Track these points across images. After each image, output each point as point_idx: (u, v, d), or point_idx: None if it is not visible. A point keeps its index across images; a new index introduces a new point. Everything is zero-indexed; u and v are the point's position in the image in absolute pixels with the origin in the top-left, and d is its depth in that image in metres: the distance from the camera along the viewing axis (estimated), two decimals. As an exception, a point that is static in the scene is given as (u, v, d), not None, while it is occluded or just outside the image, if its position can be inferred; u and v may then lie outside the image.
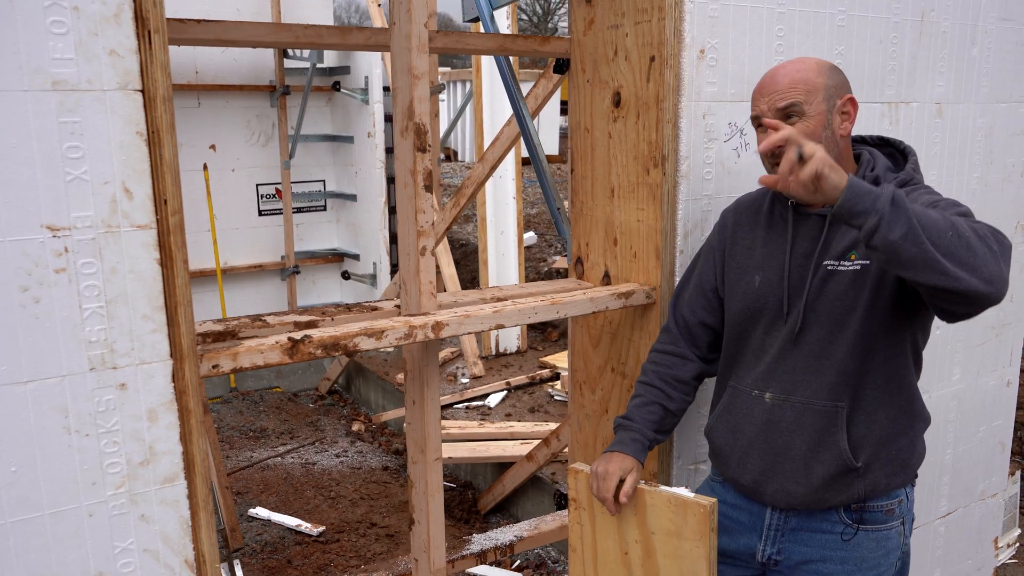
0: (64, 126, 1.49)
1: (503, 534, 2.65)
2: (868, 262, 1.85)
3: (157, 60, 1.55)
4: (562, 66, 2.71)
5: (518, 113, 2.95)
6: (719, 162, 2.31)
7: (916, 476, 2.04)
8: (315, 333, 1.83)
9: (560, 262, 7.49)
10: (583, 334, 2.58)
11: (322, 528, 4.66)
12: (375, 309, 2.17)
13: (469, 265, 8.42)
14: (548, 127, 15.84)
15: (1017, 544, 3.72)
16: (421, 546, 2.23)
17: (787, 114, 1.84)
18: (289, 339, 1.78)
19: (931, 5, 2.63)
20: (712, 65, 2.24)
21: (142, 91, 1.55)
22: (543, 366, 6.47)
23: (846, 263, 1.87)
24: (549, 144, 17.44)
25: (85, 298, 1.55)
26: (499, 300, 2.26)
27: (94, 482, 1.61)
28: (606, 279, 2.46)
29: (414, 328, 1.93)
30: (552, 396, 5.88)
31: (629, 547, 2.05)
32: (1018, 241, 3.10)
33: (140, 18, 1.53)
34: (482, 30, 3.40)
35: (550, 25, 31.61)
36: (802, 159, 1.59)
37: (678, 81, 2.19)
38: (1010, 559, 3.66)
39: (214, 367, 1.71)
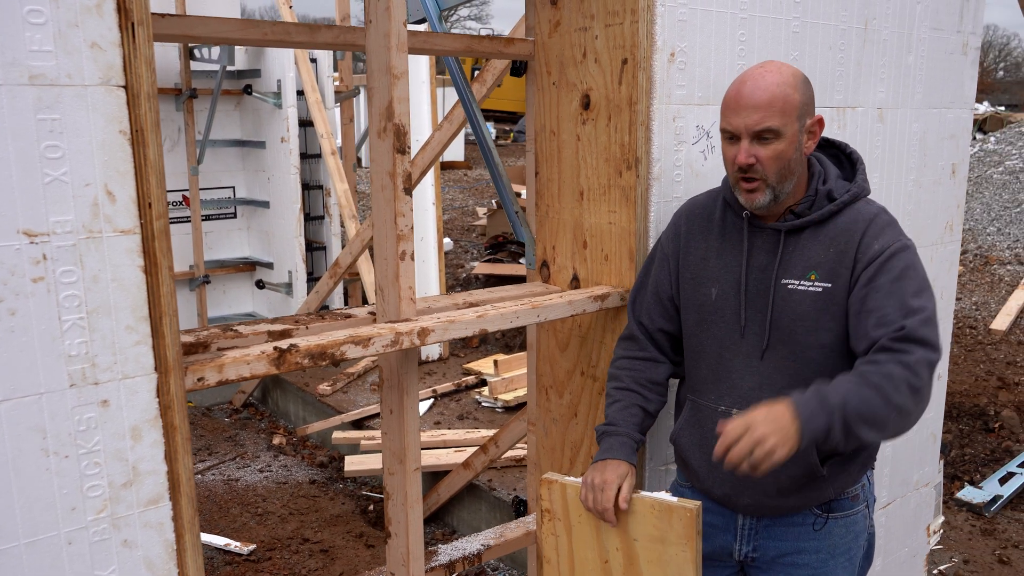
0: (42, 124, 1.38)
1: (469, 543, 2.59)
2: (830, 285, 1.87)
3: (141, 54, 1.46)
4: (519, 69, 2.69)
5: (470, 116, 2.90)
6: (688, 164, 2.33)
7: (874, 459, 2.10)
8: (301, 342, 1.75)
9: (480, 268, 7.47)
10: (549, 338, 2.56)
11: (252, 546, 4.49)
12: (348, 316, 2.09)
13: (384, 272, 8.29)
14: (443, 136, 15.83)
15: (941, 531, 3.89)
16: (399, 559, 2.17)
17: (762, 137, 1.83)
18: (276, 349, 1.70)
19: (873, 13, 2.73)
20: (681, 68, 2.26)
21: (125, 87, 1.45)
22: (467, 373, 6.42)
23: (805, 283, 1.90)
24: (455, 150, 17.41)
25: (65, 309, 1.44)
26: (472, 305, 2.22)
27: (74, 507, 1.49)
28: (575, 282, 2.45)
29: (400, 335, 1.87)
30: (480, 403, 5.84)
31: (609, 555, 2.03)
32: (947, 240, 3.25)
33: (123, 9, 1.43)
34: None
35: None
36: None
37: (650, 84, 2.20)
38: (936, 545, 3.82)
39: (199, 380, 1.61)
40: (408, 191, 1.98)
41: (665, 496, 1.96)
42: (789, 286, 1.90)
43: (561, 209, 2.47)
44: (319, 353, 1.75)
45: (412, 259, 2.00)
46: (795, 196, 1.94)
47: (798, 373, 1.91)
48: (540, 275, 2.58)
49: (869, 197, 2.00)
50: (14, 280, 1.38)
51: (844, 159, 2.07)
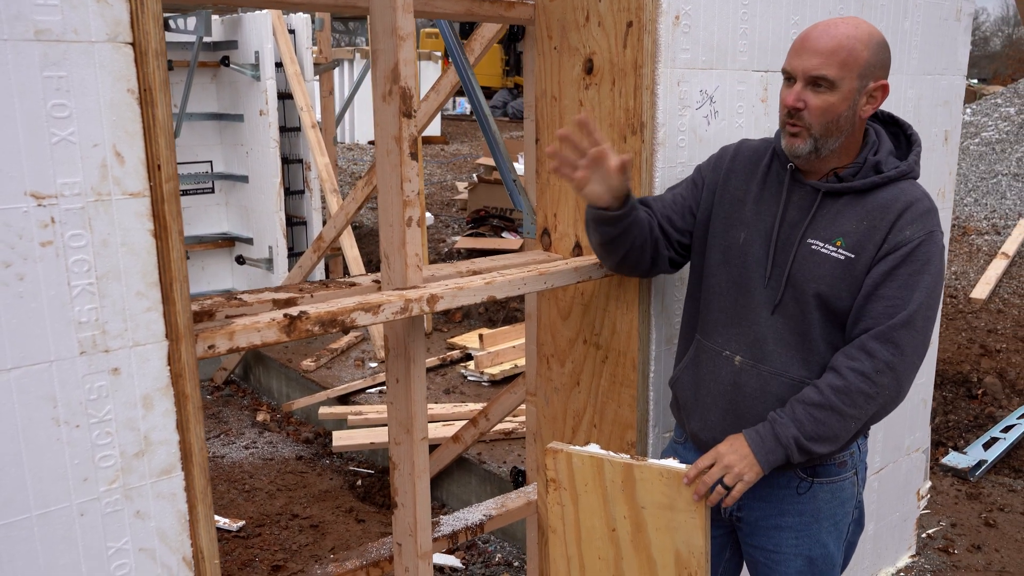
0: (49, 81, 1.33)
1: (471, 514, 2.59)
2: (854, 256, 1.86)
3: (149, 10, 1.41)
4: (517, 33, 2.65)
5: (465, 81, 2.87)
6: (691, 129, 2.31)
7: (867, 427, 2.11)
8: (311, 309, 1.71)
9: (462, 242, 7.42)
10: (550, 307, 2.54)
11: (241, 523, 4.46)
12: (353, 284, 2.06)
13: (365, 248, 8.23)
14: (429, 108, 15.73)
15: (928, 495, 3.94)
16: (405, 530, 2.15)
17: (816, 84, 1.82)
18: (286, 316, 1.67)
19: (871, -22, 2.72)
20: (686, 32, 2.23)
21: (133, 44, 1.40)
22: (452, 347, 6.40)
23: (830, 247, 1.89)
24: (431, 125, 17.26)
25: (74, 274, 1.40)
26: (476, 273, 2.19)
27: (86, 478, 1.46)
28: (577, 250, 2.42)
29: (410, 302, 1.84)
30: (466, 377, 5.83)
31: (617, 523, 2.02)
32: (941, 207, 3.26)
33: (129, -38, 1.38)
34: None
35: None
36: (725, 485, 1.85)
37: (656, 47, 2.17)
38: (924, 509, 3.88)
39: (210, 347, 1.58)
40: (414, 156, 1.94)
41: (672, 463, 1.95)
42: (813, 247, 1.89)
43: (563, 176, 2.44)
44: (330, 320, 1.72)
45: (419, 225, 1.97)
46: (841, 159, 1.92)
47: (805, 334, 1.91)
48: (541, 243, 2.56)
49: (917, 180, 1.97)
50: (22, 244, 1.34)
51: (903, 139, 2.03)
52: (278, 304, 1.89)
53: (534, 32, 2.48)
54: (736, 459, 1.86)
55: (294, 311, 1.69)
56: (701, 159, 2.33)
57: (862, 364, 1.82)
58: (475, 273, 2.18)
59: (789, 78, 1.87)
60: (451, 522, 2.54)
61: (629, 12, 2.17)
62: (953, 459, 4.55)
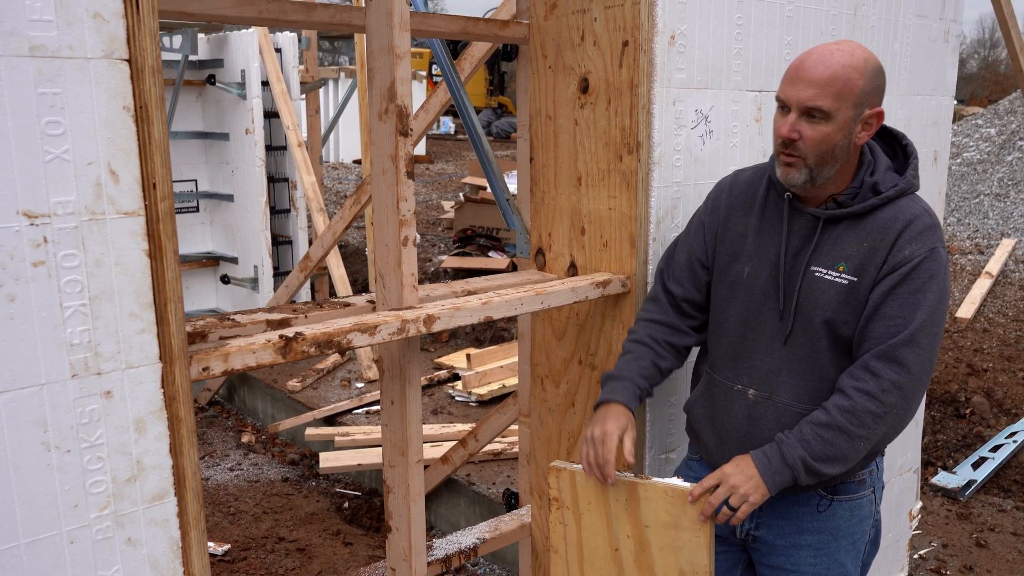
0: (43, 98, 1.31)
1: (464, 537, 2.55)
2: (856, 279, 1.85)
3: (145, 26, 1.39)
4: (510, 53, 2.65)
5: (458, 102, 2.86)
6: (687, 149, 2.31)
7: (883, 446, 2.09)
8: (307, 330, 1.69)
9: (449, 261, 7.40)
10: (545, 327, 2.52)
11: (227, 546, 4.39)
12: (347, 305, 2.03)
13: (350, 267, 8.20)
14: (419, 126, 15.80)
15: (919, 516, 3.94)
16: (400, 554, 2.11)
17: (811, 115, 1.79)
18: (282, 337, 1.64)
19: None
20: (681, 51, 2.23)
21: (129, 61, 1.38)
22: (439, 367, 6.36)
23: (833, 273, 1.87)
24: (417, 145, 17.28)
25: (66, 295, 1.36)
26: (471, 293, 2.17)
27: (76, 504, 1.42)
28: (572, 269, 2.41)
29: (406, 322, 1.82)
30: (453, 397, 5.79)
31: (620, 543, 2.00)
32: (929, 228, 3.27)
33: (126, -22, 1.36)
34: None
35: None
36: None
37: (651, 67, 2.17)
38: (915, 530, 3.86)
39: (204, 369, 1.54)
40: (411, 175, 1.92)
41: (677, 482, 1.93)
42: (817, 274, 1.88)
43: (558, 195, 2.43)
44: (325, 341, 1.69)
45: (415, 245, 1.95)
46: (838, 184, 1.90)
47: (816, 362, 1.90)
48: (535, 263, 2.54)
49: (917, 194, 1.95)
50: (14, 264, 1.31)
51: (899, 149, 2.01)
52: (272, 325, 1.86)
53: (528, 51, 2.48)
54: (742, 480, 1.83)
55: (289, 332, 1.66)
56: (697, 178, 2.33)
57: (867, 384, 1.81)
58: (470, 293, 2.16)
59: (783, 107, 1.84)
60: (444, 546, 2.50)
61: (625, 32, 2.17)
62: (943, 479, 4.55)
